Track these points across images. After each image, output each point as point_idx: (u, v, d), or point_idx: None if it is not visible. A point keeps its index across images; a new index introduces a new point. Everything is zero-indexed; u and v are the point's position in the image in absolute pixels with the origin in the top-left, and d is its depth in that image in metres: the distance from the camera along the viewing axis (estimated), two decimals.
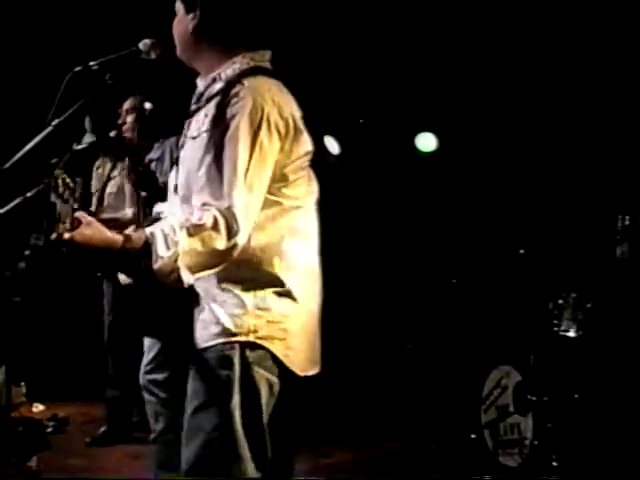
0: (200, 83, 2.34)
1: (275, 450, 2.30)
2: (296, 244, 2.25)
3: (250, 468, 2.20)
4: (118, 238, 2.02)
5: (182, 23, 2.32)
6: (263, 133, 2.10)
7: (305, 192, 2.29)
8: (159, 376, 3.74)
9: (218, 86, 2.22)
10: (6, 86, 5.70)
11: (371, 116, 7.16)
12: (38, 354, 5.93)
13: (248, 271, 2.17)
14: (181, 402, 3.80)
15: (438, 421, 5.78)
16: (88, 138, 4.81)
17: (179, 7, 2.33)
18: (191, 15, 2.28)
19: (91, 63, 2.29)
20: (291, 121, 2.20)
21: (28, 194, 2.35)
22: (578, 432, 4.20)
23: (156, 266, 2.01)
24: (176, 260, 2.00)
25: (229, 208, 2.03)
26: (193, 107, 2.32)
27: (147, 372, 3.78)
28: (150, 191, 3.71)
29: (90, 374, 5.42)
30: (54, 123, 2.25)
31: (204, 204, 2.06)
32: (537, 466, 4.24)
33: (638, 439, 4.06)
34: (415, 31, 5.59)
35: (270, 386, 2.24)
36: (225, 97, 2.14)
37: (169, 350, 3.77)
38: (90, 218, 2.06)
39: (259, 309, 2.19)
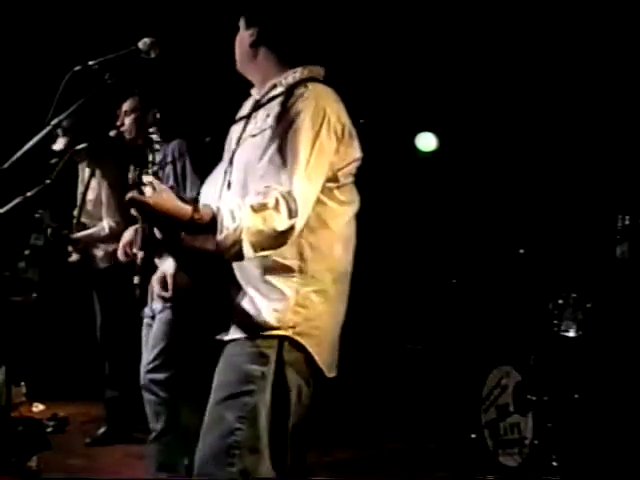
0: (255, 92, 2.51)
1: (292, 452, 2.34)
2: (338, 246, 2.36)
3: (266, 467, 2.24)
4: (188, 208, 2.11)
5: (243, 37, 2.51)
6: (324, 132, 2.25)
7: (351, 198, 2.40)
8: (160, 376, 3.75)
9: (279, 89, 2.37)
10: (6, 86, 5.70)
11: (371, 116, 7.16)
12: (38, 354, 5.93)
13: (294, 266, 2.26)
14: (181, 402, 3.83)
15: (438, 421, 5.79)
16: (60, 142, 4.77)
17: (241, 23, 2.53)
18: (251, 30, 2.48)
19: (90, 62, 2.28)
20: (346, 127, 2.34)
21: (28, 194, 2.35)
22: (578, 432, 4.20)
23: (221, 237, 2.09)
24: (240, 233, 2.08)
25: (290, 192, 2.14)
26: (249, 112, 2.46)
27: (148, 371, 3.78)
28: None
29: (90, 374, 5.42)
30: (53, 123, 2.25)
31: (265, 189, 2.16)
32: (537, 466, 4.24)
33: (638, 439, 4.06)
34: (415, 31, 5.59)
35: (299, 392, 2.30)
36: (289, 96, 2.29)
37: (172, 350, 3.79)
38: (164, 186, 2.15)
39: (299, 305, 2.27)
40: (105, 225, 4.91)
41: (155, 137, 2.20)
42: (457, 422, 5.50)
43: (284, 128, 2.24)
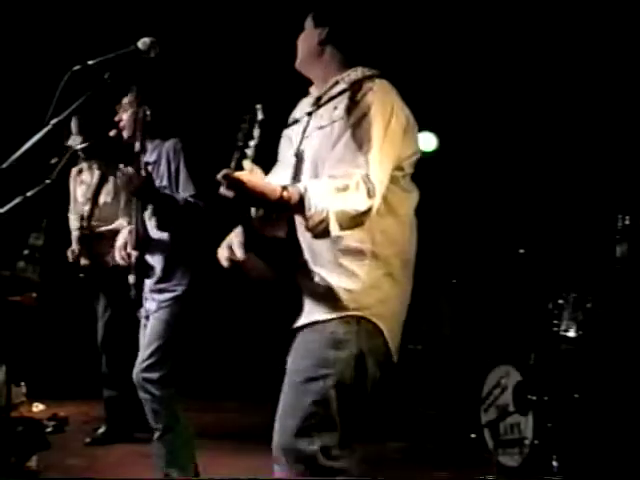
0: (315, 89, 2.60)
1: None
2: (406, 232, 2.46)
3: (335, 450, 2.35)
4: (278, 187, 2.20)
5: (310, 36, 2.59)
6: (393, 122, 2.36)
7: (413, 187, 2.50)
8: (154, 375, 3.75)
9: (342, 86, 2.46)
10: (6, 86, 5.69)
11: None
12: (38, 354, 5.93)
13: (365, 250, 2.34)
14: (179, 400, 3.83)
15: (438, 421, 5.79)
16: (75, 139, 4.80)
17: (309, 22, 2.60)
18: (319, 30, 2.56)
19: (90, 62, 2.28)
20: (410, 120, 2.45)
21: (28, 194, 2.35)
22: (578, 432, 4.20)
23: (309, 214, 2.18)
24: (327, 212, 2.17)
25: (367, 175, 2.24)
26: (311, 108, 2.54)
27: (142, 370, 3.78)
28: (147, 198, 3.69)
29: (90, 374, 5.42)
30: (53, 122, 2.24)
31: (343, 172, 2.25)
32: (537, 466, 4.24)
33: (638, 439, 4.06)
34: (415, 31, 5.59)
35: (374, 375, 2.40)
36: (358, 90, 2.39)
37: (166, 348, 3.79)
38: (256, 168, 2.24)
39: (372, 287, 2.35)
40: (124, 222, 4.90)
41: (260, 114, 2.27)
42: (457, 422, 5.50)
43: (357, 118, 2.33)
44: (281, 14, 5.51)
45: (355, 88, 2.41)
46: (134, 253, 3.75)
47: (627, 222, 4.37)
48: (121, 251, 3.80)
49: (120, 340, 4.96)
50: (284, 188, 2.20)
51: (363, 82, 2.42)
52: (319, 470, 2.33)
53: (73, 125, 4.91)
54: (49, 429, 5.13)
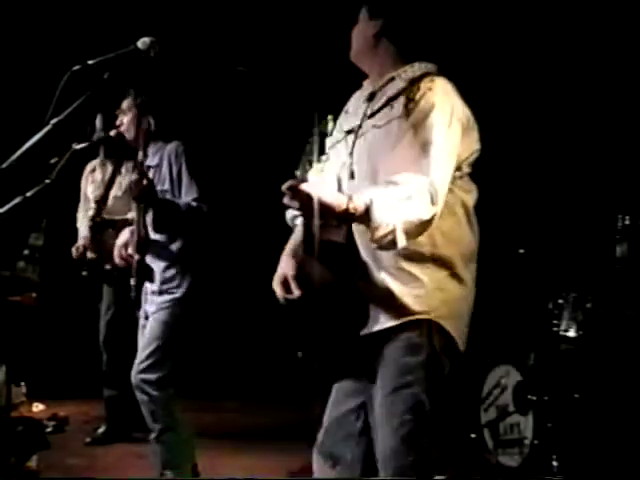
0: (369, 84, 2.57)
1: None
2: (467, 232, 2.47)
3: (431, 456, 2.43)
4: (344, 199, 2.17)
5: (364, 27, 2.55)
6: (454, 123, 2.34)
7: (472, 187, 2.51)
8: (152, 376, 3.75)
9: (400, 84, 2.43)
10: (5, 86, 5.69)
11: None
12: (38, 354, 5.93)
13: (426, 253, 2.34)
14: (177, 401, 3.83)
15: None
16: (100, 136, 4.80)
17: (363, 13, 2.55)
18: (374, 22, 2.51)
19: (90, 62, 2.28)
20: (469, 119, 2.43)
21: (28, 194, 2.34)
22: (578, 432, 4.20)
23: (376, 226, 2.16)
24: (393, 224, 2.15)
25: (431, 181, 2.22)
26: (364, 104, 2.51)
27: (140, 371, 3.78)
28: (148, 202, 3.69)
29: (90, 374, 5.42)
30: (53, 122, 2.24)
31: (406, 178, 2.22)
32: (537, 466, 4.24)
33: (638, 439, 4.05)
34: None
35: (448, 375, 2.45)
36: (416, 88, 2.37)
37: (165, 350, 3.79)
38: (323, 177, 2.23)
39: (436, 289, 2.36)
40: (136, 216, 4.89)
41: (330, 125, 2.25)
42: (457, 422, 5.50)
43: (417, 120, 2.31)
44: (281, 14, 5.52)
45: (413, 87, 2.38)
46: (136, 256, 3.75)
47: (627, 222, 4.37)
48: (120, 250, 3.80)
49: (122, 339, 4.96)
50: (350, 199, 2.17)
51: (422, 81, 2.40)
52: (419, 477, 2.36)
53: (98, 121, 4.90)
54: (49, 429, 5.13)
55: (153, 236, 3.79)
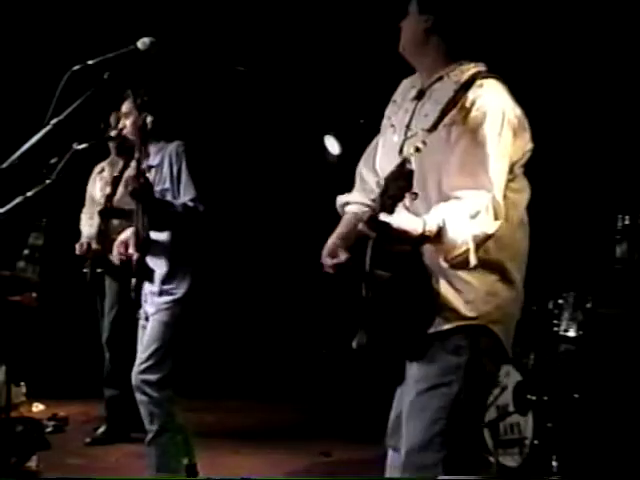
0: (416, 80, 2.56)
1: None
2: (518, 235, 2.47)
3: (458, 457, 2.43)
4: (420, 223, 2.20)
5: (414, 21, 2.51)
6: (505, 130, 2.34)
7: (524, 186, 2.49)
8: (152, 377, 3.75)
9: (449, 85, 2.41)
10: (5, 85, 5.69)
11: (371, 116, 7.15)
12: (38, 354, 5.93)
13: (480, 259, 2.31)
14: (176, 402, 3.83)
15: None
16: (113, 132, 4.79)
17: (413, 6, 2.52)
18: (425, 17, 2.48)
19: (90, 62, 2.28)
20: (520, 120, 2.41)
21: (28, 194, 2.35)
22: (578, 432, 4.20)
23: (449, 247, 2.21)
24: (467, 244, 2.21)
25: (492, 197, 2.26)
26: (413, 102, 2.52)
27: (140, 372, 3.78)
28: (143, 200, 3.70)
29: (90, 374, 5.42)
30: (53, 122, 2.24)
31: (470, 194, 2.26)
32: (537, 466, 4.24)
33: (638, 439, 4.05)
34: None
35: (492, 378, 2.54)
36: (466, 91, 2.36)
37: (165, 351, 3.79)
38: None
39: (488, 294, 2.39)
40: None
41: (412, 166, 2.11)
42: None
43: (469, 129, 2.32)
44: (280, 14, 5.52)
45: (463, 92, 2.37)
46: (135, 255, 3.76)
47: (627, 222, 4.37)
48: (120, 247, 3.82)
49: (125, 338, 4.95)
50: (424, 223, 2.19)
51: (472, 85, 2.38)
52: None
53: (112, 119, 4.89)
54: (49, 429, 5.13)
55: (154, 236, 3.79)
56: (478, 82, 2.38)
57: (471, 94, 2.35)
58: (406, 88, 2.61)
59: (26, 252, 4.67)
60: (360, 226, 2.22)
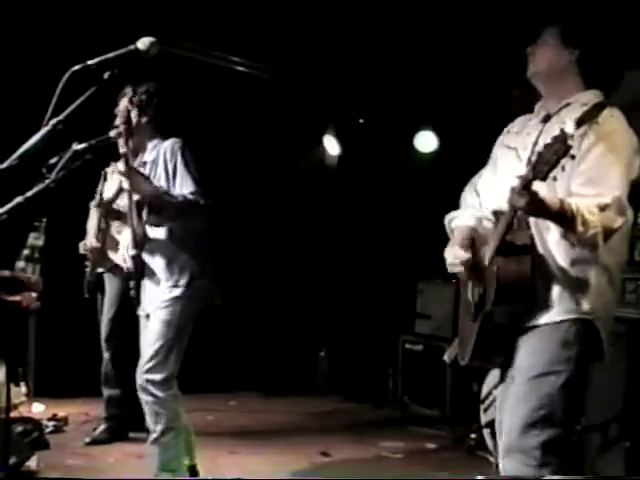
0: (541, 106, 2.77)
1: None
2: (624, 242, 2.70)
3: (557, 446, 2.55)
4: (557, 199, 2.41)
5: (556, 52, 2.68)
6: (628, 150, 2.59)
7: (629, 205, 2.66)
8: (157, 376, 3.74)
9: (578, 108, 2.60)
10: (5, 86, 5.69)
11: (371, 116, 7.16)
12: (38, 354, 5.93)
13: (594, 259, 2.56)
14: (181, 401, 3.82)
15: (437, 420, 5.78)
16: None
17: (554, 36, 2.70)
18: (570, 49, 2.66)
19: (89, 62, 2.27)
20: (636, 145, 2.62)
21: (28, 194, 2.34)
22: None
23: (583, 228, 2.41)
24: (597, 227, 2.42)
25: (619, 197, 2.49)
26: (540, 125, 2.71)
27: (145, 372, 3.77)
28: (142, 190, 3.69)
29: (90, 373, 5.42)
30: (53, 122, 2.24)
31: (600, 191, 2.48)
32: None
33: (638, 439, 4.06)
34: (415, 30, 5.59)
35: (589, 379, 2.63)
36: (599, 115, 2.56)
37: (168, 349, 3.79)
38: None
39: (598, 293, 2.59)
40: None
41: (570, 143, 2.26)
42: (457, 422, 5.50)
43: (603, 138, 2.53)
44: (280, 14, 5.52)
45: (596, 111, 2.56)
46: (132, 252, 3.76)
47: None
48: (125, 254, 3.83)
49: (124, 338, 4.94)
50: (562, 202, 2.40)
51: (600, 108, 2.58)
52: (540, 463, 2.52)
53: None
54: (49, 429, 5.13)
55: (151, 234, 3.79)
56: (607, 111, 2.59)
57: (603, 114, 2.56)
58: (524, 119, 2.82)
59: (26, 252, 4.67)
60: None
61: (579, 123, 2.45)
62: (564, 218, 2.41)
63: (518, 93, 2.96)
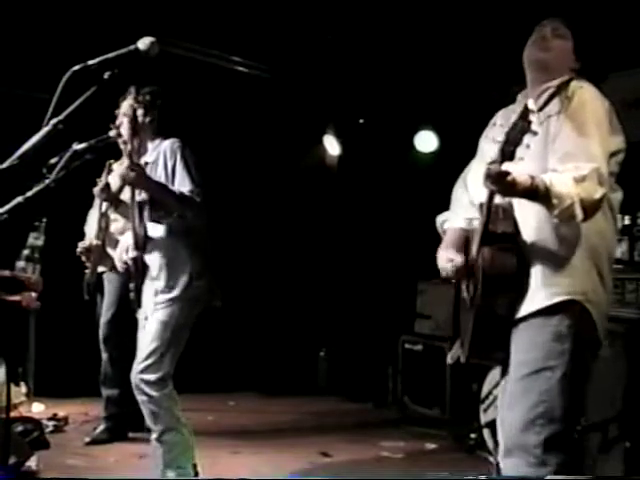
0: (523, 97, 2.79)
1: None
2: (611, 227, 2.68)
3: (558, 442, 2.53)
4: (527, 177, 2.42)
5: (568, 44, 2.75)
6: (603, 118, 2.58)
7: (617, 187, 2.70)
8: (151, 376, 3.74)
9: (551, 89, 2.63)
10: (6, 86, 5.69)
11: (371, 116, 7.16)
12: (38, 353, 5.93)
13: (580, 240, 2.56)
14: (177, 401, 3.82)
15: (437, 420, 5.78)
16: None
17: (564, 30, 2.75)
18: (569, 41, 2.75)
19: (89, 62, 2.28)
20: (613, 118, 2.63)
21: (28, 194, 2.34)
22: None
23: (557, 201, 2.42)
24: (572, 199, 2.42)
25: (597, 168, 2.48)
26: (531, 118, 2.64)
27: (139, 372, 3.77)
28: (143, 185, 3.71)
29: (90, 373, 5.42)
30: (53, 122, 2.24)
31: (576, 164, 2.47)
32: None
33: (638, 439, 4.05)
34: (415, 30, 5.59)
35: (589, 370, 2.61)
36: (568, 88, 2.60)
37: (164, 350, 3.78)
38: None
39: (585, 274, 2.57)
40: None
41: (531, 124, 2.34)
42: (457, 422, 5.50)
43: (573, 112, 2.55)
44: (280, 14, 5.52)
45: (564, 87, 2.60)
46: (133, 253, 3.76)
47: (627, 222, 4.37)
48: (122, 254, 3.83)
49: (122, 338, 4.94)
50: (533, 178, 2.42)
51: (569, 83, 2.61)
52: (541, 461, 2.51)
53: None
54: (49, 429, 5.13)
55: (151, 234, 3.80)
56: (575, 83, 2.61)
57: (572, 87, 2.59)
58: (508, 111, 2.84)
59: (26, 252, 4.66)
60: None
61: (548, 99, 2.52)
62: (537, 194, 2.43)
63: (517, 90, 2.94)
